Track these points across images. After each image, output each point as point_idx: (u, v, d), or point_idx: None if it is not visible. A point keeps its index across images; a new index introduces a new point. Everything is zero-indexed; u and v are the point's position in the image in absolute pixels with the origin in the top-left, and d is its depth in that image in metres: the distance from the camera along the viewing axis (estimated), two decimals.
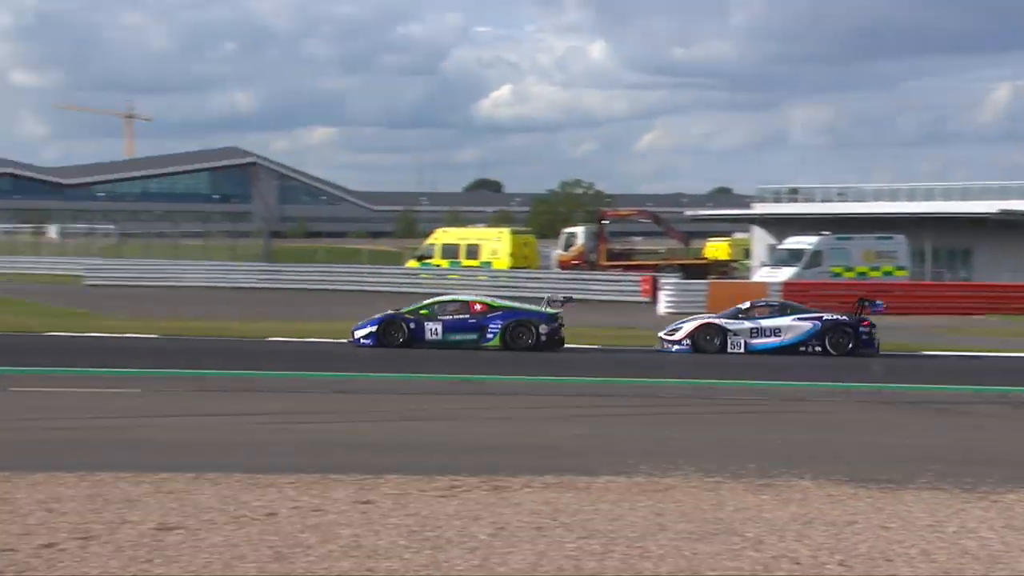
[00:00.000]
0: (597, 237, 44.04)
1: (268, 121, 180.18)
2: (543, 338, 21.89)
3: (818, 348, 22.01)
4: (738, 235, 55.26)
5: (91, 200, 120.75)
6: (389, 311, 22.54)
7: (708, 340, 22.14)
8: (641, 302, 34.20)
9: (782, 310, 22.94)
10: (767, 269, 37.71)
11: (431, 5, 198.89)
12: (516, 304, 23.18)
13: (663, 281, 34.05)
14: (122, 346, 21.02)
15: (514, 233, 42.78)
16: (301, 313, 28.85)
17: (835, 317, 22.45)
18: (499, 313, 22.26)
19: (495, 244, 41.20)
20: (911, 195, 46.70)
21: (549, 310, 22.33)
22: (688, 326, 22.53)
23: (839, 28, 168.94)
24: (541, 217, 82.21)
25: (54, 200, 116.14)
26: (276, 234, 70.03)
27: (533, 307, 22.88)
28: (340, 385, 16.24)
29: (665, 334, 22.48)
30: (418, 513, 7.58)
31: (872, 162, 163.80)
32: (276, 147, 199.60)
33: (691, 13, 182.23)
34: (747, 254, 49.02)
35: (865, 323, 22.38)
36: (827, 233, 37.66)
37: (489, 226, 49.23)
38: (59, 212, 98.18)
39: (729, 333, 22.23)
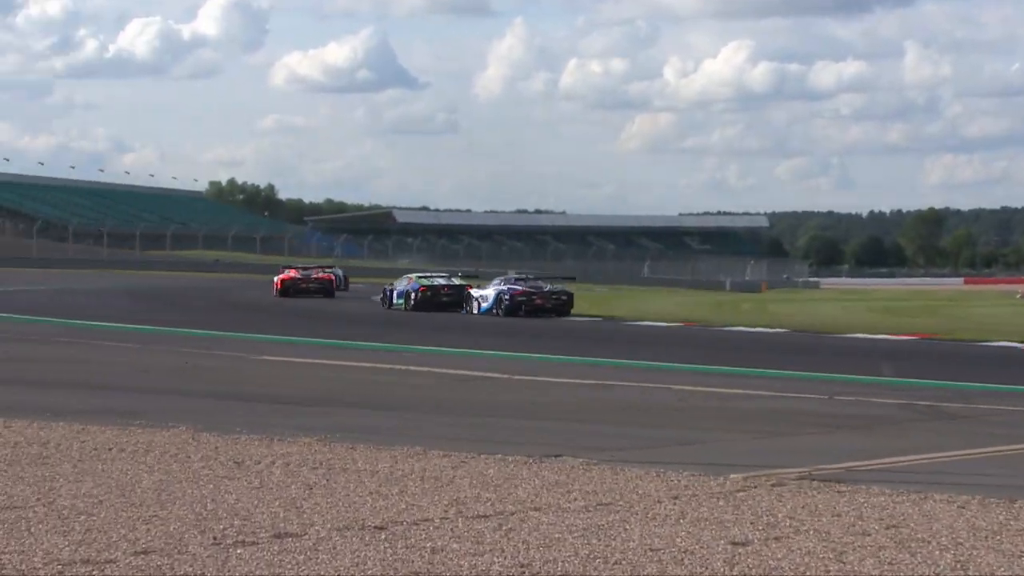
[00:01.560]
0: None
1: None
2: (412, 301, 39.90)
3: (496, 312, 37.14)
4: None
5: None
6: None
7: (467, 304, 38.62)
8: None
9: (498, 282, 38.71)
10: None
11: None
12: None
13: None
14: None
15: None
16: None
17: (502, 288, 37.79)
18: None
19: None
20: None
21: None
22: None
23: None
24: None
25: None
26: None
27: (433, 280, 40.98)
28: None
29: None
30: None
31: None
32: None
33: None
34: None
35: (518, 292, 37.41)
36: None
37: None
38: None
39: (474, 298, 38.41)
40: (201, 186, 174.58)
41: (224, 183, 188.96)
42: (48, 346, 23.84)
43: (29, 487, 9.22)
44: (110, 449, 11.13)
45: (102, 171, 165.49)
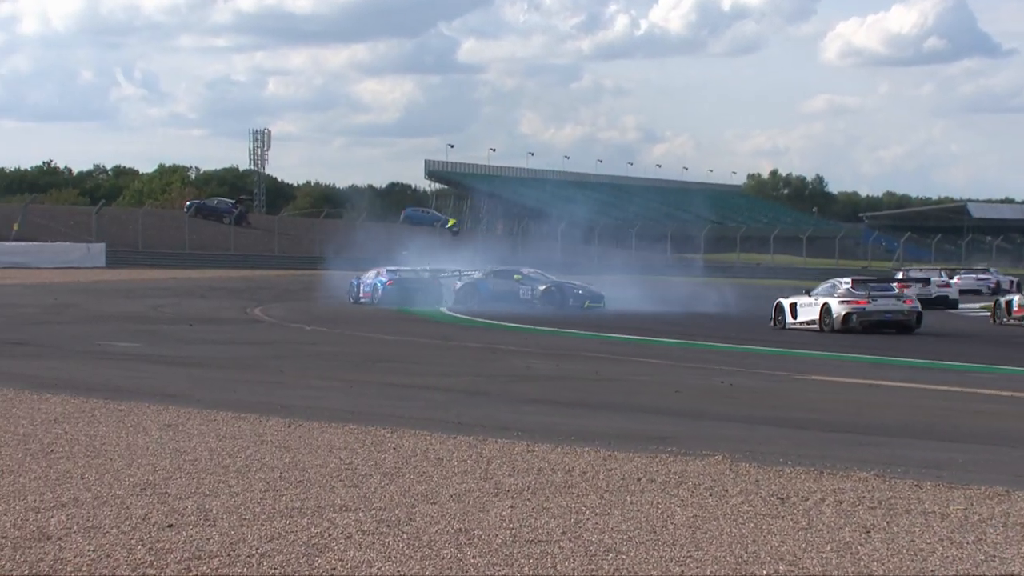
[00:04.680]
0: None
1: None
2: None
3: None
4: None
5: None
6: None
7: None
8: None
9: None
10: None
11: None
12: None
13: None
14: None
15: None
16: None
17: None
18: None
19: None
20: None
21: None
22: None
23: None
24: None
25: None
26: None
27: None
28: None
29: None
30: None
31: None
32: None
33: None
34: None
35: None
36: None
37: None
38: None
39: None
40: (740, 179, 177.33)
41: (765, 175, 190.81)
42: (573, 361, 24.87)
43: (555, 519, 9.63)
44: (639, 479, 11.44)
45: (631, 164, 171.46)
